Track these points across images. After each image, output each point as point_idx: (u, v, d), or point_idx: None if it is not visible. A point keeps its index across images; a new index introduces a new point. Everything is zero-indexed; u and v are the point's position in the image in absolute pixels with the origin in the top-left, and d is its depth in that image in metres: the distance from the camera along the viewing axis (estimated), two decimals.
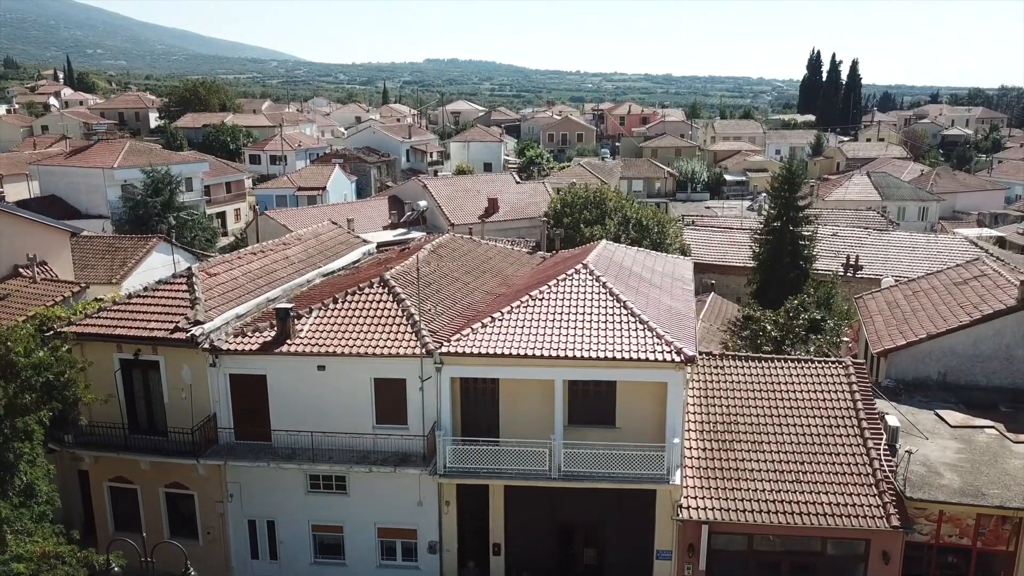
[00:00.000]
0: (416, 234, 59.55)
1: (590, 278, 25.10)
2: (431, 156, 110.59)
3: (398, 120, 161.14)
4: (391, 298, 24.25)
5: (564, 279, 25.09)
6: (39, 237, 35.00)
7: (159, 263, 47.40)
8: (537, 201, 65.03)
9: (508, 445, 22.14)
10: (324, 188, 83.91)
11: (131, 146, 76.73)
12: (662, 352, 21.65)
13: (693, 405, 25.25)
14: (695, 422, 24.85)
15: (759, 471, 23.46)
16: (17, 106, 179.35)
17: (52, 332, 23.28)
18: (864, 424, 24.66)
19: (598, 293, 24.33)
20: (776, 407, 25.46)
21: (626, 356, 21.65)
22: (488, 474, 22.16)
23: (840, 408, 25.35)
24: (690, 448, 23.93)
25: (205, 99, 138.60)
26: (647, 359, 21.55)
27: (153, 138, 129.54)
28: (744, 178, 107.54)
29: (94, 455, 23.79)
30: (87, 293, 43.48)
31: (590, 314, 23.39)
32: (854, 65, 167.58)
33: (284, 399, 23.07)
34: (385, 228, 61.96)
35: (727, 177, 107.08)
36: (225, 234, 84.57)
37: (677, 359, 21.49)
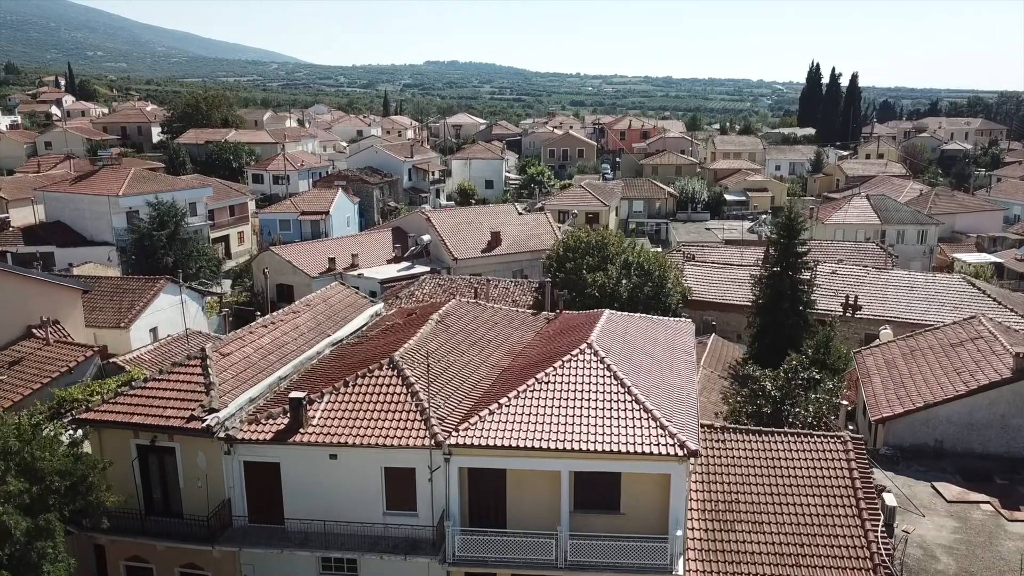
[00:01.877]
0: (420, 268, 60.29)
1: (594, 359, 25.68)
2: (433, 175, 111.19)
3: (400, 134, 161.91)
4: (400, 381, 24.83)
5: (569, 360, 25.69)
6: (51, 296, 35.65)
7: (167, 304, 48.13)
8: (539, 233, 65.77)
9: (516, 535, 22.73)
10: (327, 212, 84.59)
11: (136, 173, 77.42)
12: (665, 446, 22.24)
13: (696, 482, 25.85)
14: (697, 500, 25.46)
15: (759, 553, 24.04)
16: (20, 117, 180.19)
17: (71, 418, 23.92)
18: (862, 504, 25.19)
19: (602, 376, 24.92)
20: (776, 484, 26.02)
21: (630, 450, 22.25)
22: (496, 563, 22.75)
23: (838, 486, 25.88)
24: (692, 529, 24.53)
25: (207, 114, 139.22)
26: (651, 453, 22.14)
27: (156, 154, 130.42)
28: (744, 198, 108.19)
29: (111, 539, 24.33)
30: (97, 335, 44.77)
31: (595, 401, 23.98)
32: (853, 79, 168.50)
33: (297, 486, 23.68)
34: (389, 262, 62.65)
35: (727, 197, 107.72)
36: (229, 257, 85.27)
37: (680, 453, 22.09)
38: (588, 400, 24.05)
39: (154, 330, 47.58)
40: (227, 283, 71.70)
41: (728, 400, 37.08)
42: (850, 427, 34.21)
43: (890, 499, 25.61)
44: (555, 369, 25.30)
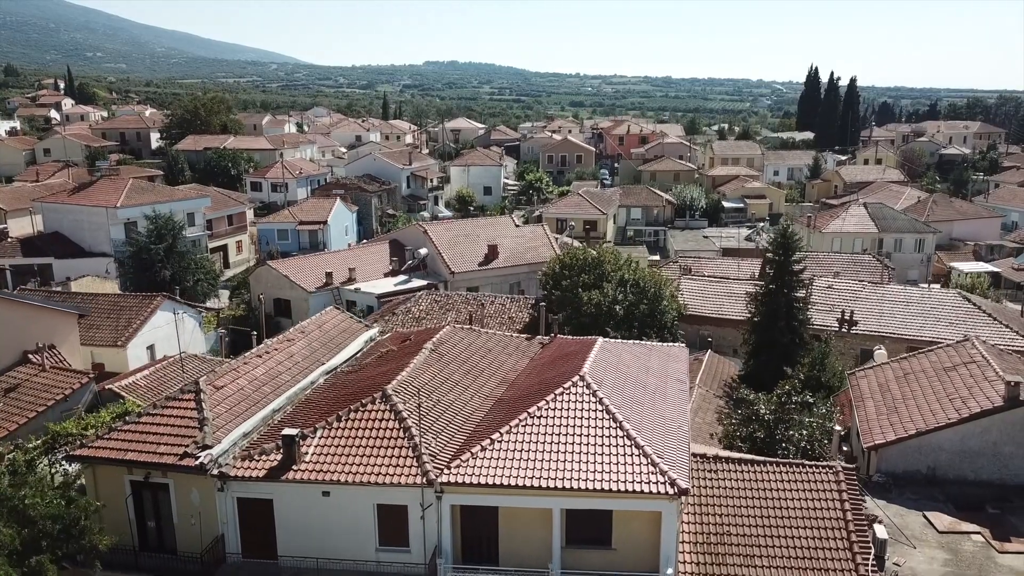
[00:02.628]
0: (417, 282, 60.41)
1: (587, 392, 25.78)
2: (431, 182, 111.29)
3: (399, 139, 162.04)
4: (392, 416, 24.94)
5: (561, 393, 25.79)
6: (47, 321, 35.73)
7: (164, 321, 48.21)
8: (536, 246, 65.83)
9: (508, 572, 22.85)
10: (325, 222, 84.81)
11: (134, 184, 77.67)
12: (656, 484, 22.34)
13: (688, 514, 25.94)
14: (689, 532, 25.55)
15: None
16: (19, 121, 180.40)
17: (65, 454, 24.04)
18: (853, 537, 25.26)
19: (594, 411, 25.01)
20: (767, 516, 26.08)
21: (621, 488, 22.34)
22: None
23: (829, 518, 25.91)
24: (684, 562, 24.62)
25: (206, 120, 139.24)
26: (642, 491, 22.24)
27: (155, 161, 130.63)
28: (742, 205, 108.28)
29: (105, 574, 24.39)
30: (95, 353, 44.82)
31: (586, 437, 24.07)
32: (852, 82, 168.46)
33: (290, 522, 23.79)
34: (386, 275, 62.76)
35: (725, 204, 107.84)
36: (227, 266, 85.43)
37: (671, 491, 22.19)
38: (580, 436, 24.15)
39: (151, 347, 47.72)
40: (225, 294, 71.81)
41: (722, 421, 37.26)
42: (844, 448, 34.33)
43: (881, 531, 25.70)
44: (547, 403, 25.39)
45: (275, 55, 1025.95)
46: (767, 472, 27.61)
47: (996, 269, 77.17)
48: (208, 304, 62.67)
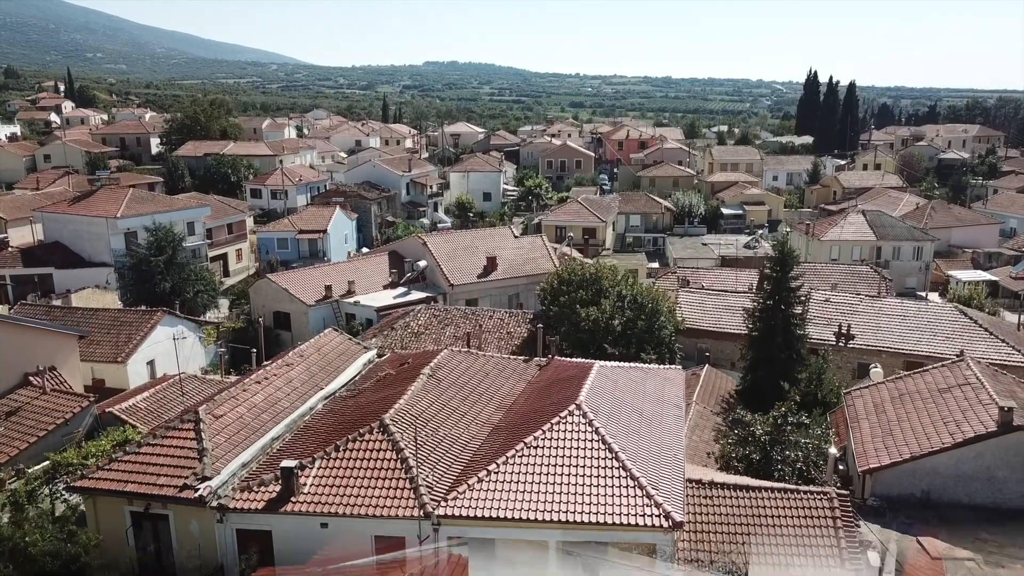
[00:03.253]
0: (416, 294, 60.65)
1: (583, 421, 26.03)
2: (431, 188, 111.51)
3: (398, 143, 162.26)
4: (390, 446, 25.17)
5: (558, 422, 26.04)
6: (47, 343, 35.88)
7: (164, 336, 48.51)
8: (535, 257, 66.08)
9: None
10: (325, 231, 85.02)
11: (134, 194, 77.88)
12: (651, 516, 22.58)
13: (683, 541, 26.18)
14: (684, 560, 25.77)
15: None
16: (19, 125, 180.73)
17: (66, 485, 24.30)
18: (847, 565, 25.52)
19: (590, 441, 25.26)
20: (761, 543, 26.32)
21: (616, 521, 22.59)
22: None
23: (824, 546, 26.18)
24: None
25: (206, 125, 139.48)
26: (637, 524, 22.49)
27: (154, 166, 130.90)
28: (741, 211, 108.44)
29: None
30: (95, 369, 45.10)
31: (582, 468, 24.33)
32: (851, 86, 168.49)
33: (289, 553, 24.01)
34: (385, 287, 62.97)
35: (724, 210, 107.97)
36: (227, 275, 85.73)
37: (666, 524, 22.43)
38: (576, 467, 24.39)
39: (151, 363, 48.02)
40: (224, 303, 72.00)
41: (719, 439, 37.48)
42: (840, 468, 34.52)
43: (874, 559, 25.94)
44: (543, 432, 25.63)
45: (275, 55, 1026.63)
46: (762, 498, 27.84)
47: (994, 278, 77.45)
48: (208, 315, 62.93)
